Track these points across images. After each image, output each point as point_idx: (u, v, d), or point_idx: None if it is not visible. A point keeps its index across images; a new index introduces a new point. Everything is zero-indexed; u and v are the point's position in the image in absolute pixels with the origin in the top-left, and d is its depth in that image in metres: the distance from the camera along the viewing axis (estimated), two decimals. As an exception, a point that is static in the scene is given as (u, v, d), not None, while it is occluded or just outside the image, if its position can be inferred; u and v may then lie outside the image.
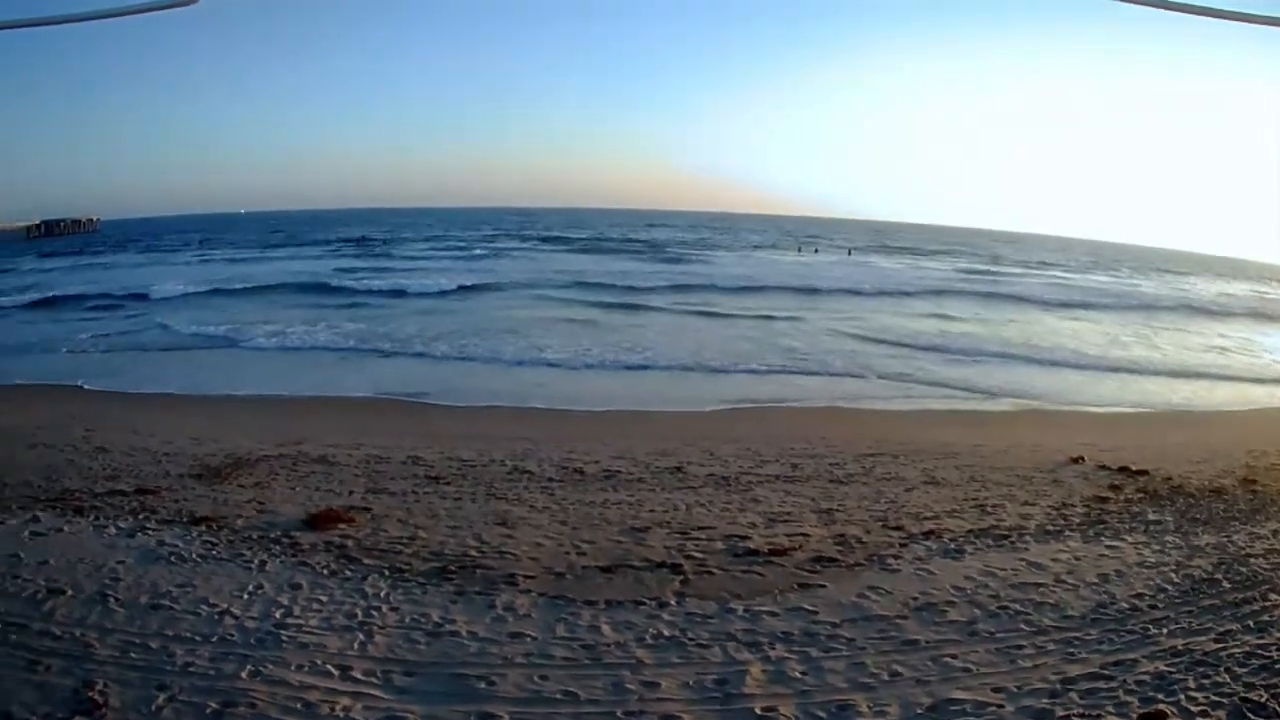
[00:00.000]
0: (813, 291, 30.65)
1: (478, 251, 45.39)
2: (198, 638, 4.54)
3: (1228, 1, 2.33)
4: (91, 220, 73.66)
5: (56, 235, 63.54)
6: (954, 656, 4.84)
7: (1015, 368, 17.62)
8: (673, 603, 5.28)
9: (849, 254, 55.61)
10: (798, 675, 4.54)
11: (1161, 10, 2.33)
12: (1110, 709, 4.38)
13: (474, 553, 5.96)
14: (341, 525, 6.30)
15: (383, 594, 5.17)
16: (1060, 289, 37.10)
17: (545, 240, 55.05)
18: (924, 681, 4.57)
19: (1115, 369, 18.11)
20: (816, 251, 56.88)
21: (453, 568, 5.66)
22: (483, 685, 4.20)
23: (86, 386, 13.53)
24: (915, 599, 5.54)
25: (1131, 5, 2.31)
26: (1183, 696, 4.55)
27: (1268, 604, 5.87)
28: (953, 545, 6.55)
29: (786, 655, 4.73)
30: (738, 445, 9.53)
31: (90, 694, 3.91)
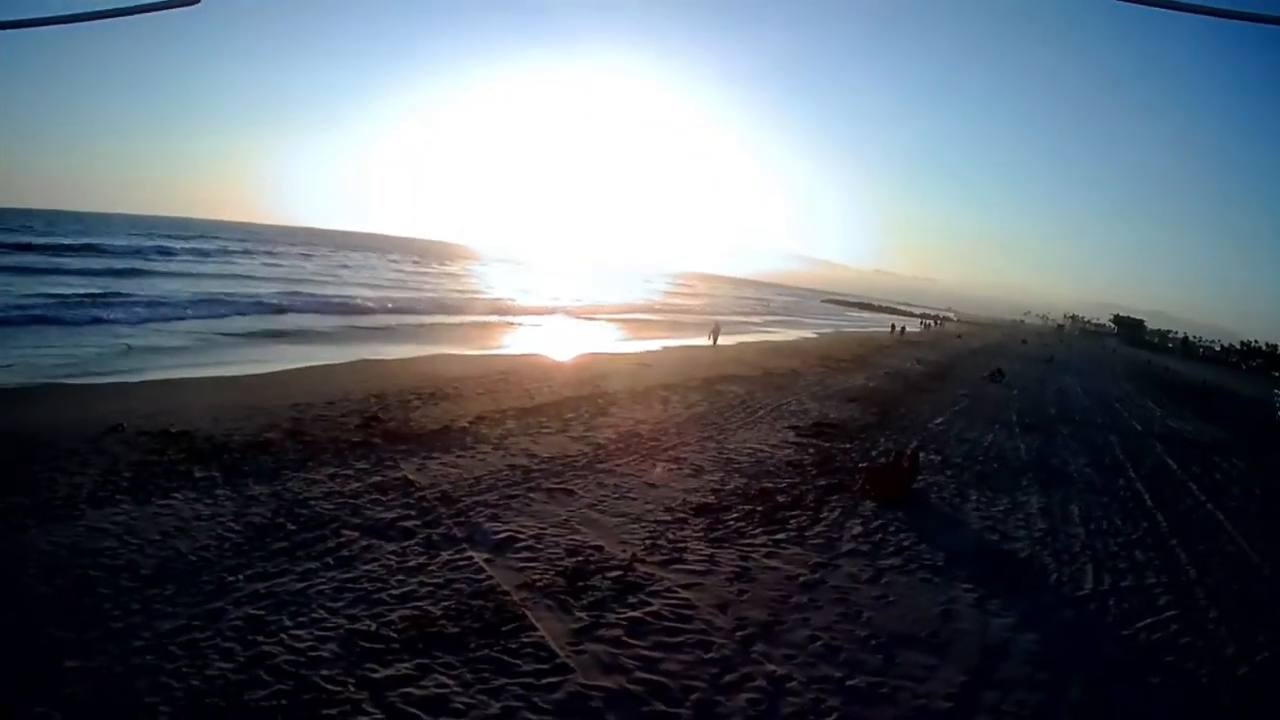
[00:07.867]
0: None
1: None
2: None
3: (1228, 1, 2.29)
4: None
5: None
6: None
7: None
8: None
9: None
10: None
11: (1161, 10, 2.31)
12: (215, 658, 4.45)
13: None
14: None
15: None
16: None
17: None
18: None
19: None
20: None
21: None
22: None
23: None
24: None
25: (1130, 5, 2.27)
26: (284, 636, 4.76)
27: (342, 540, 6.16)
28: (12, 523, 6.26)
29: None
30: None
31: None
